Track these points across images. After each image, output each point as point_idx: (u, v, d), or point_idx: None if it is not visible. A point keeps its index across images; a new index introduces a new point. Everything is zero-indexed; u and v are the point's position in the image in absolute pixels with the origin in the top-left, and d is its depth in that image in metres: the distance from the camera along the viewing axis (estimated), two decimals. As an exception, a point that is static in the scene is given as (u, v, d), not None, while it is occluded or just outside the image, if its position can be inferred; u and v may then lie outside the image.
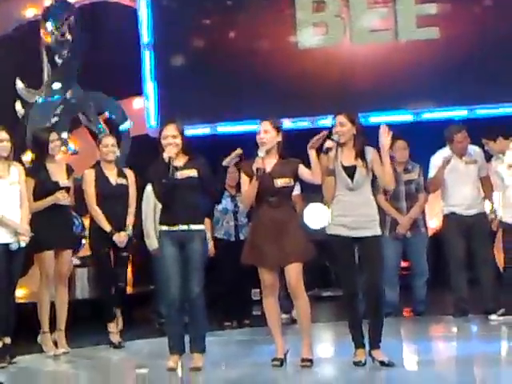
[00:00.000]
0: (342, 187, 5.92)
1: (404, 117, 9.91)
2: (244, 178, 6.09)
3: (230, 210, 8.28)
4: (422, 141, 8.49)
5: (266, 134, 6.03)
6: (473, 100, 9.72)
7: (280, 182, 5.98)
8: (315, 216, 9.71)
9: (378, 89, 9.75)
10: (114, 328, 7.25)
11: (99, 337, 7.33)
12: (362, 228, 5.86)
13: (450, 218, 8.03)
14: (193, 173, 6.06)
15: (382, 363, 5.79)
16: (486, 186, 8.01)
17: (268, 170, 6.00)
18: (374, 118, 9.47)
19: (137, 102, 10.87)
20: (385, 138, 5.88)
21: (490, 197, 8.02)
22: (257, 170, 5.93)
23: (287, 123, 9.37)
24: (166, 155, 5.97)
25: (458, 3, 9.87)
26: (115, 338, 7.23)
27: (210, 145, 8.88)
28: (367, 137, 6.01)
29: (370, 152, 5.97)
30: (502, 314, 7.48)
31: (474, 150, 8.04)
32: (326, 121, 9.76)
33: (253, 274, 8.29)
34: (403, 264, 8.50)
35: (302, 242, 5.98)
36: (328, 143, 5.89)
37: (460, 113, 9.77)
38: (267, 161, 6.02)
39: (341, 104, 9.15)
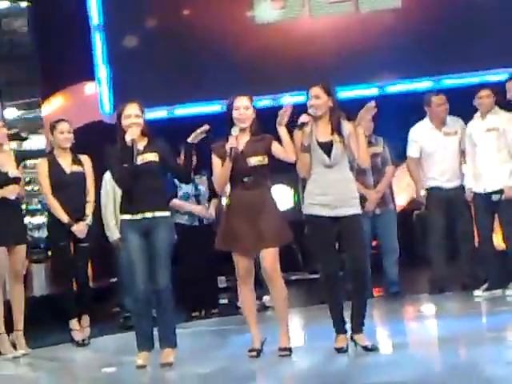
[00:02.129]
0: (318, 164, 5.57)
1: (369, 91, 9.62)
2: (215, 161, 5.73)
3: (191, 195, 7.97)
4: (387, 114, 8.17)
5: (247, 110, 5.68)
6: (438, 70, 9.44)
7: (253, 161, 5.64)
8: (279, 198, 9.41)
9: (341, 63, 9.45)
10: (77, 325, 6.90)
11: (61, 335, 7.01)
12: (342, 207, 5.55)
13: (430, 193, 7.78)
14: (154, 157, 5.74)
15: (366, 348, 5.49)
16: None
17: (240, 148, 5.66)
18: (339, 93, 9.13)
19: (89, 87, 10.46)
20: (368, 113, 5.59)
21: None
22: (230, 149, 5.58)
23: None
24: (128, 138, 5.62)
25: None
26: (78, 335, 6.89)
27: (168, 129, 8.52)
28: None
29: (346, 126, 5.63)
30: (487, 289, 7.23)
31: (454, 120, 7.78)
32: (289, 98, 9.55)
33: (218, 259, 8.02)
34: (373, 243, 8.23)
35: (279, 224, 5.67)
36: (303, 117, 5.53)
37: (425, 84, 9.51)
38: (239, 139, 5.67)
39: (303, 80, 8.91)
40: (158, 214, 5.71)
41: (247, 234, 5.60)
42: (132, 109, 5.73)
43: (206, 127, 5.72)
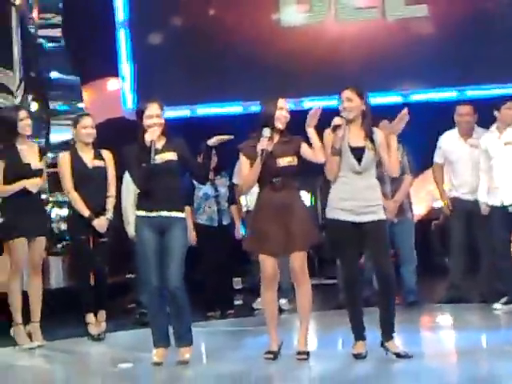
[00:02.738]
0: (347, 169, 5.52)
1: (392, 98, 9.56)
2: (243, 160, 5.71)
3: (210, 195, 7.95)
4: (410, 122, 8.13)
5: (287, 112, 5.69)
6: (463, 81, 9.38)
7: (282, 162, 5.62)
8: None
9: (365, 69, 9.35)
10: (93, 319, 6.85)
11: (77, 329, 6.95)
12: (366, 213, 5.49)
13: (452, 202, 7.71)
14: (172, 156, 5.72)
15: (398, 355, 5.42)
16: None
17: (269, 149, 5.63)
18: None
19: (111, 84, 10.44)
20: (402, 122, 5.53)
21: None
22: (262, 150, 5.56)
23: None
24: (148, 138, 5.61)
25: (448, -20, 9.52)
26: (94, 329, 6.84)
27: (189, 128, 8.51)
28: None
29: (378, 134, 5.58)
30: (506, 303, 7.13)
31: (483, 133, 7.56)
32: (311, 103, 9.51)
33: (235, 260, 8.01)
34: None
35: (308, 227, 5.66)
36: (336, 120, 5.48)
37: (449, 94, 9.44)
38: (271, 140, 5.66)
39: (325, 84, 8.87)
40: (174, 214, 5.69)
41: (276, 235, 5.57)
42: (154, 109, 5.71)
43: (230, 137, 5.72)
